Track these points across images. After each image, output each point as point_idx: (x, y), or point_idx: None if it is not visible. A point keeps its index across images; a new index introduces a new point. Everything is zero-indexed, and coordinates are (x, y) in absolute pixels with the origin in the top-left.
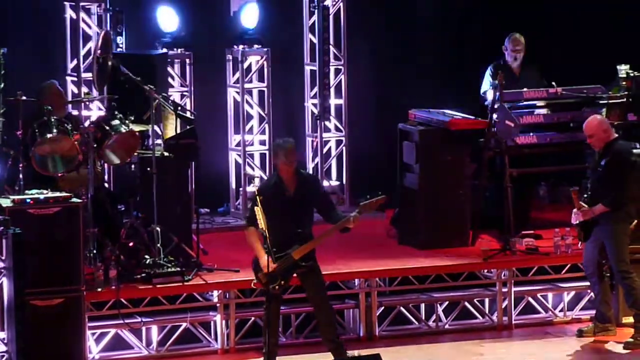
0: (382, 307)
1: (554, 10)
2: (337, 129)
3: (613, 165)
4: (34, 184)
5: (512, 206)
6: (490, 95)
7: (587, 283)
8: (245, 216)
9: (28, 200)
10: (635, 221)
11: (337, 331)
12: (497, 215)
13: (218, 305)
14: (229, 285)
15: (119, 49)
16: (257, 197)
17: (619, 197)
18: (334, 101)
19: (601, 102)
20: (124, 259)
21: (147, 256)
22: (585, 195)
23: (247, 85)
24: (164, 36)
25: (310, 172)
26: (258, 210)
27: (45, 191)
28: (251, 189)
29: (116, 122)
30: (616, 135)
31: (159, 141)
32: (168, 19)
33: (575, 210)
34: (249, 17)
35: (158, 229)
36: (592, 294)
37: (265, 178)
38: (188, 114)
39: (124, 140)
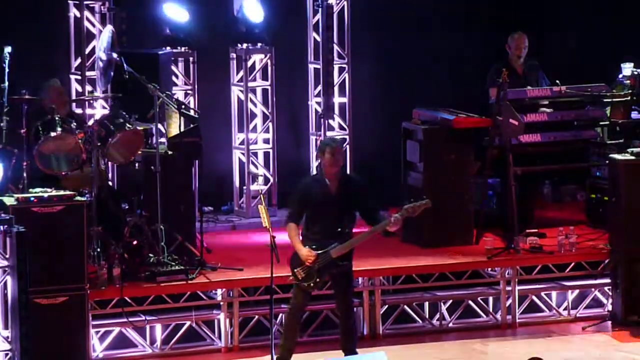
0: (386, 306)
1: (557, 9)
2: (341, 128)
3: None
4: (37, 183)
5: (516, 205)
6: (493, 94)
7: (591, 281)
8: (287, 213)
9: (32, 199)
10: None
11: (355, 343)
12: (501, 213)
13: (222, 303)
14: (232, 284)
15: (122, 47)
16: (262, 196)
17: None
18: (337, 100)
19: (605, 100)
20: (127, 257)
21: (150, 255)
22: None
23: (250, 84)
24: (167, 35)
25: (314, 171)
26: (262, 208)
27: (49, 190)
28: (255, 187)
29: (120, 120)
30: None
31: (163, 139)
32: (176, 16)
33: None
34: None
35: (162, 227)
36: (596, 291)
37: (263, 175)
38: (192, 113)
39: (128, 138)
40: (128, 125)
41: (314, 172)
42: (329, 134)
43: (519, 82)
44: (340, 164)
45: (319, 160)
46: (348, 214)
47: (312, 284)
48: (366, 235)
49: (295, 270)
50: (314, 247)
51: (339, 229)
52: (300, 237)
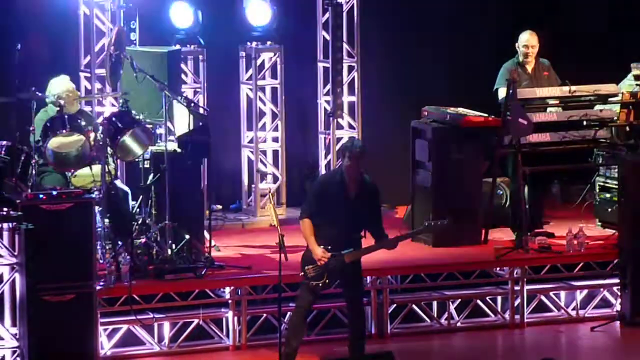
0: (394, 305)
1: (567, 8)
2: (350, 126)
3: None
4: (46, 180)
5: (525, 204)
6: (502, 93)
7: (600, 281)
8: (302, 207)
9: (40, 196)
10: None
11: (365, 343)
12: (510, 213)
13: (230, 301)
14: (240, 282)
15: (132, 45)
16: (270, 195)
17: None
18: (346, 98)
19: (614, 100)
20: (136, 255)
21: (159, 252)
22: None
23: (260, 82)
24: (177, 32)
25: (323, 169)
26: (271, 207)
27: (57, 187)
28: (264, 185)
29: (129, 118)
30: None
31: (172, 137)
32: (182, 15)
33: None
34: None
35: (170, 225)
36: (605, 291)
37: (272, 174)
38: (201, 111)
39: (138, 135)
40: (136, 124)
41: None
42: (338, 132)
43: (529, 82)
44: (360, 170)
45: (342, 161)
46: (362, 220)
47: (320, 284)
48: (376, 248)
49: (307, 267)
50: (328, 248)
51: (353, 233)
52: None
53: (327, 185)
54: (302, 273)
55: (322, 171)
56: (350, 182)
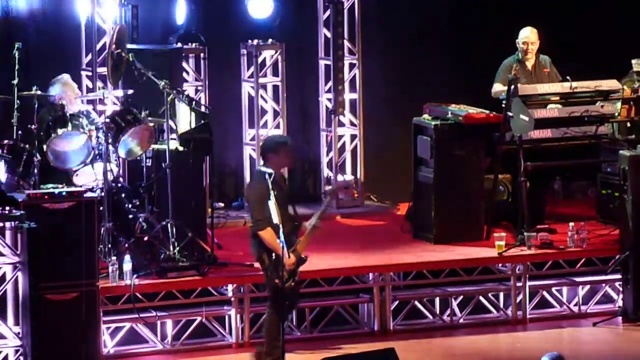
0: (397, 302)
1: (569, 3)
2: (352, 124)
3: None
4: (49, 179)
5: (527, 200)
6: (496, 88)
7: (602, 277)
8: (257, 219)
9: (43, 195)
10: None
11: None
12: (512, 209)
13: (232, 299)
14: (243, 280)
15: (133, 44)
16: (272, 191)
17: None
18: (348, 96)
19: (615, 96)
20: (138, 253)
21: (161, 250)
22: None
23: (261, 80)
24: (178, 30)
25: (325, 167)
26: (273, 204)
27: (60, 186)
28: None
29: (131, 116)
30: None
31: (174, 136)
32: (182, 13)
33: None
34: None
35: (172, 223)
36: (606, 287)
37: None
38: (202, 109)
39: (140, 133)
40: (138, 122)
41: (261, 172)
42: (340, 130)
43: (529, 79)
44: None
45: (270, 159)
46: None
47: (292, 283)
48: (312, 232)
49: (281, 272)
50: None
51: (295, 223)
52: None
53: (267, 188)
54: (277, 280)
55: (324, 169)
56: (279, 177)
